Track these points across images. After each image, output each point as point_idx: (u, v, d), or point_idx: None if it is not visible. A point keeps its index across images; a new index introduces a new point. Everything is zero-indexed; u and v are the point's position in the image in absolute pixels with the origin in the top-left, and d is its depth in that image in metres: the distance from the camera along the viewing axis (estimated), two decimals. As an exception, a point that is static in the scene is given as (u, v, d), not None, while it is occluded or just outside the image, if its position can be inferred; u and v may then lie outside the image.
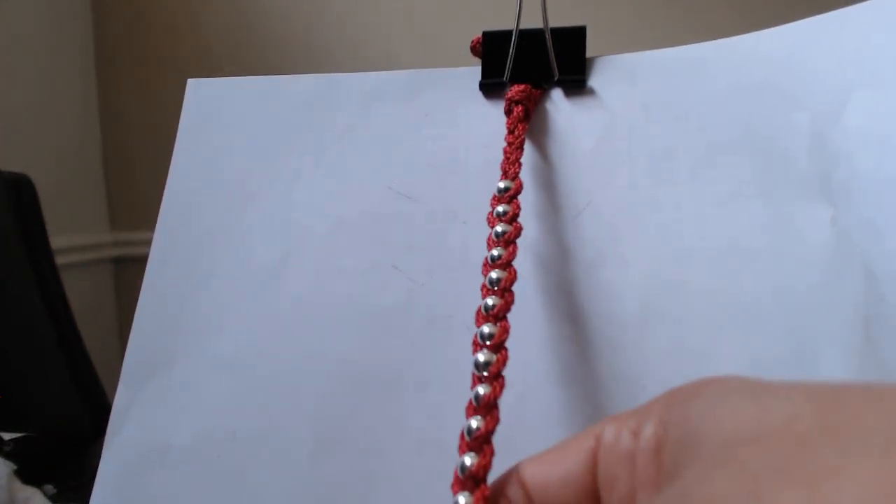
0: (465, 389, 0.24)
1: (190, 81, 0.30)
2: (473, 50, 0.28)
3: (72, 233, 1.04)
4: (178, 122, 0.30)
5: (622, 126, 0.26)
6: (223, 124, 0.30)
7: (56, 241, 0.82)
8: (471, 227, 0.26)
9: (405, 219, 0.27)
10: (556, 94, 0.27)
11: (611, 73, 0.27)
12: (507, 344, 0.24)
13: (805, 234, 0.22)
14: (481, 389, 0.16)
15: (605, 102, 0.27)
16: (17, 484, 0.53)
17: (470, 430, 0.15)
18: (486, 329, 0.19)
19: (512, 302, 0.19)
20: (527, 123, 0.26)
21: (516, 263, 0.25)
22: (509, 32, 0.27)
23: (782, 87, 0.25)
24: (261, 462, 0.25)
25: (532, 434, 0.23)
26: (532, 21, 0.27)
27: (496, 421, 0.15)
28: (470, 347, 0.24)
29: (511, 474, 0.14)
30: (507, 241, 0.21)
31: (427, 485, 0.23)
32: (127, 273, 1.14)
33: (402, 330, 0.25)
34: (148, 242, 0.28)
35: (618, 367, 0.23)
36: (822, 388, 0.10)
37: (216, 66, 1.09)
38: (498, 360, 0.18)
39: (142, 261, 0.29)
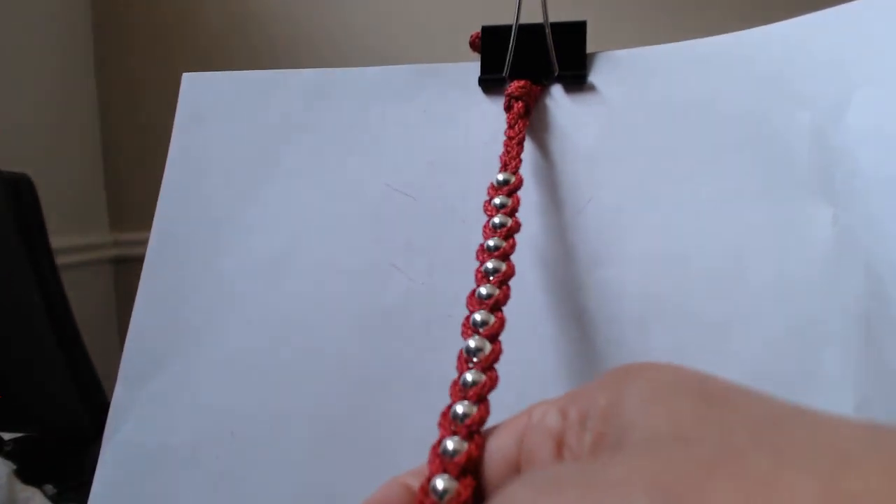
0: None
1: (185, 76, 0.30)
2: (472, 45, 0.28)
3: (72, 233, 1.04)
4: (176, 120, 0.30)
5: (623, 123, 0.26)
6: (220, 120, 0.29)
7: (56, 241, 0.82)
8: (470, 226, 0.26)
9: (404, 217, 0.26)
10: (557, 90, 0.27)
11: (611, 69, 0.27)
12: (508, 342, 0.24)
13: (806, 233, 0.22)
14: (470, 377, 0.16)
15: (605, 98, 0.26)
16: (18, 484, 0.53)
17: (456, 415, 0.15)
18: (478, 316, 0.17)
19: (508, 295, 0.19)
20: (527, 119, 0.26)
21: (517, 261, 0.25)
22: (509, 27, 0.27)
23: (784, 84, 0.24)
24: (259, 461, 0.24)
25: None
26: (532, 16, 0.27)
27: (488, 412, 0.15)
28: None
29: None
30: (506, 234, 0.20)
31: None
32: (127, 273, 1.14)
33: (402, 329, 0.25)
34: (147, 242, 0.28)
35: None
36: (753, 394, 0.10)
37: (216, 65, 1.09)
38: (493, 350, 0.17)
39: (141, 261, 0.28)
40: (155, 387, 0.26)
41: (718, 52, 0.26)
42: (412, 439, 0.24)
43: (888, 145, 0.22)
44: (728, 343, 0.22)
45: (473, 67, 0.28)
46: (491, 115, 0.27)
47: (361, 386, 0.25)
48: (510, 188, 0.22)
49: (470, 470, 0.13)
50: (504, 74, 0.27)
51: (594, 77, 0.27)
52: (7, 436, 0.61)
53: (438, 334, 0.25)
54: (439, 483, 0.13)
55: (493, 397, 0.24)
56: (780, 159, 0.23)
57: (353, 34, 1.06)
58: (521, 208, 0.26)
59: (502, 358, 0.24)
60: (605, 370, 0.23)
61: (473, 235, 0.26)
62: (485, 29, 0.28)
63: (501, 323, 0.17)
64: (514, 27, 0.27)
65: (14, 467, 0.54)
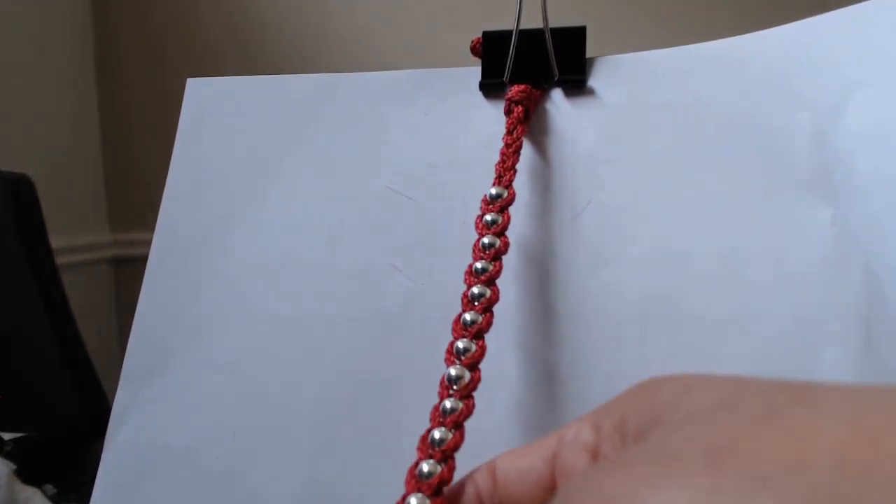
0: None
1: (189, 81, 0.30)
2: (473, 50, 0.28)
3: (71, 233, 1.04)
4: (178, 122, 0.30)
5: (623, 126, 0.26)
6: (223, 124, 0.30)
7: (56, 241, 0.82)
8: (470, 228, 0.26)
9: (404, 219, 0.26)
10: (557, 95, 0.27)
11: (611, 74, 0.27)
12: (508, 343, 0.24)
13: (805, 234, 0.22)
14: (448, 404, 0.17)
15: (605, 103, 0.27)
16: (18, 484, 0.53)
17: (434, 441, 0.16)
18: (460, 344, 0.18)
19: (491, 322, 0.19)
20: (526, 124, 0.26)
21: (517, 261, 0.25)
22: (509, 33, 0.27)
23: (782, 87, 0.24)
24: (260, 462, 0.25)
25: (531, 434, 0.23)
26: (532, 21, 0.27)
27: (462, 439, 0.16)
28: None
29: (485, 465, 0.15)
30: (494, 255, 0.21)
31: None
32: (126, 273, 1.14)
33: (401, 330, 0.25)
34: (148, 242, 0.28)
35: (618, 368, 0.23)
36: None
37: (216, 65, 1.09)
38: (472, 378, 0.17)
39: (141, 261, 0.29)
40: (157, 388, 0.27)
41: (717, 55, 0.26)
42: (412, 439, 0.24)
43: (886, 146, 0.22)
44: (727, 343, 0.22)
45: (474, 72, 0.28)
46: (491, 119, 0.27)
47: (362, 386, 0.25)
48: (502, 203, 0.23)
49: (441, 491, 0.14)
50: (504, 79, 0.27)
51: (594, 81, 0.27)
52: (7, 436, 0.61)
53: (438, 334, 0.25)
54: (413, 501, 0.14)
55: (491, 396, 0.24)
56: (779, 161, 0.24)
57: (357, 41, 1.06)
58: (520, 210, 0.26)
59: (500, 360, 0.24)
60: (605, 370, 0.23)
61: (473, 236, 0.26)
62: (485, 34, 0.28)
63: (482, 351, 0.18)
64: (514, 32, 0.27)
65: (14, 467, 0.54)
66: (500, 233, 0.22)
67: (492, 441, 0.23)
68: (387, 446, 0.24)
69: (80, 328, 0.78)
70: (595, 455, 0.12)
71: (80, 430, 0.70)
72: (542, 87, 0.27)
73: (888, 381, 0.20)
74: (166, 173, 0.30)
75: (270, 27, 1.09)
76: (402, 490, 0.23)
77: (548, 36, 0.27)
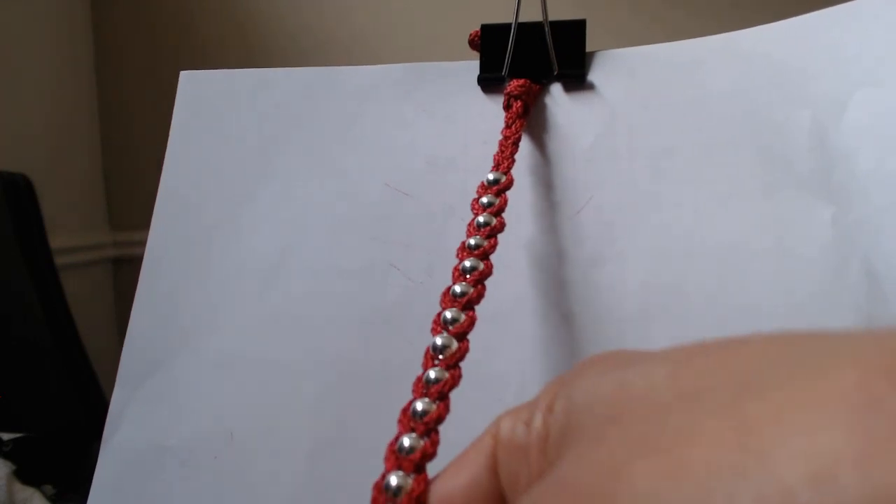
0: (462, 389, 0.24)
1: (182, 74, 0.30)
2: (472, 44, 0.28)
3: (71, 233, 1.04)
4: (175, 120, 0.30)
5: (622, 122, 0.26)
6: (217, 118, 0.29)
7: (56, 241, 0.82)
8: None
9: (403, 216, 0.26)
10: (556, 89, 0.27)
11: (611, 68, 0.27)
12: (507, 341, 0.24)
13: (806, 233, 0.22)
14: (433, 374, 0.16)
15: (605, 98, 0.26)
16: (17, 484, 0.53)
17: (416, 412, 0.15)
18: (448, 314, 0.17)
19: (483, 294, 0.18)
20: (525, 119, 0.26)
21: (517, 259, 0.25)
22: (508, 26, 0.27)
23: (783, 84, 0.24)
24: (258, 462, 0.24)
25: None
26: (531, 15, 0.27)
27: (447, 410, 0.15)
28: (471, 347, 0.24)
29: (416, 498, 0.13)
30: (489, 233, 0.20)
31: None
32: (126, 273, 1.14)
33: (400, 328, 0.25)
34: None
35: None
36: (677, 351, 0.10)
37: (216, 64, 1.09)
38: (459, 348, 0.16)
39: (141, 261, 0.28)
40: (154, 387, 0.26)
41: (718, 51, 0.26)
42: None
43: (887, 145, 0.22)
44: None
45: (472, 66, 0.28)
46: (490, 114, 0.27)
47: (359, 385, 0.25)
48: (500, 187, 0.22)
49: (424, 467, 0.13)
50: (503, 73, 0.27)
51: (594, 76, 0.27)
52: (6, 436, 0.61)
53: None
54: (393, 480, 0.13)
55: (490, 396, 0.23)
56: (780, 158, 0.23)
57: (354, 34, 1.06)
58: (520, 207, 0.25)
59: (500, 357, 0.24)
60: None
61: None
62: (484, 27, 0.28)
63: (471, 321, 0.17)
64: (513, 26, 0.27)
65: (13, 467, 0.54)
66: (497, 213, 0.21)
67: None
68: (384, 445, 0.24)
69: (79, 328, 0.78)
70: (535, 459, 0.11)
71: (79, 431, 0.70)
72: (541, 81, 0.27)
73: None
74: (165, 173, 0.29)
75: (270, 24, 1.09)
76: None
77: (547, 29, 0.26)
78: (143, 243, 0.28)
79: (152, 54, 1.13)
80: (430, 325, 0.25)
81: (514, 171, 0.26)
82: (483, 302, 0.24)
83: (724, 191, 0.24)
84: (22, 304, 0.75)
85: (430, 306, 0.25)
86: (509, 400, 0.23)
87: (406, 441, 0.14)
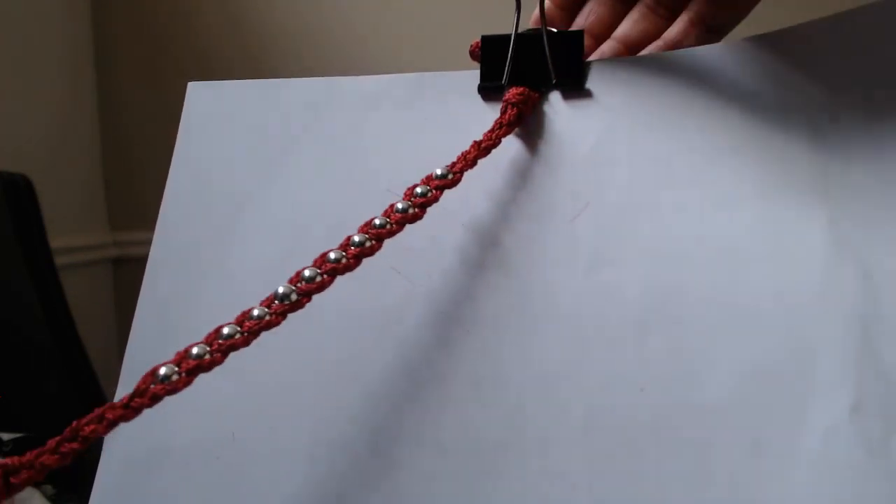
0: (463, 391, 0.24)
1: (191, 84, 0.31)
2: (472, 54, 0.28)
3: (71, 233, 1.04)
4: (177, 123, 0.30)
5: (620, 129, 0.26)
6: (223, 127, 0.30)
7: (56, 241, 0.82)
8: (469, 230, 0.26)
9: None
10: (555, 98, 0.28)
11: (609, 77, 0.27)
12: (504, 344, 0.24)
13: (803, 236, 0.23)
14: (256, 311, 0.19)
15: (603, 106, 0.27)
16: (17, 484, 0.53)
17: (221, 334, 0.18)
18: (307, 272, 0.19)
19: (352, 268, 0.20)
20: (512, 129, 0.26)
21: (518, 262, 0.26)
22: (508, 37, 0.27)
23: (781, 89, 0.25)
24: (260, 463, 0.25)
25: (528, 435, 0.23)
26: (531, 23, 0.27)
27: (252, 337, 0.19)
28: (465, 349, 0.24)
29: None
30: (400, 220, 0.21)
31: (426, 485, 0.23)
32: (126, 274, 1.14)
33: (400, 331, 0.25)
34: (147, 243, 0.28)
35: (615, 369, 0.23)
36: None
37: (216, 66, 1.09)
38: (299, 301, 0.19)
39: (141, 261, 0.29)
40: (156, 388, 0.27)
41: (715, 58, 0.26)
42: (411, 440, 0.24)
43: (884, 148, 0.22)
44: (725, 345, 0.22)
45: (473, 75, 0.28)
46: (490, 123, 0.27)
47: (360, 387, 0.25)
48: (442, 183, 0.23)
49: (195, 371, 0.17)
50: (503, 82, 0.27)
51: (592, 85, 0.27)
52: (6, 436, 0.61)
53: (437, 336, 0.25)
54: (163, 370, 0.17)
55: (490, 397, 0.24)
56: (777, 163, 0.24)
57: (357, 44, 1.06)
58: (518, 213, 0.26)
59: (499, 362, 0.24)
60: (602, 372, 0.23)
61: (472, 239, 0.26)
62: (484, 38, 0.28)
63: (322, 286, 0.20)
64: (512, 37, 0.27)
65: (13, 467, 0.54)
66: (422, 206, 0.22)
67: (489, 442, 0.23)
68: (386, 447, 0.24)
69: (79, 328, 0.79)
70: None
71: (79, 431, 0.70)
72: (539, 89, 0.27)
73: (886, 380, 0.20)
74: (166, 173, 0.30)
75: (270, 27, 1.09)
76: (401, 490, 0.23)
77: (545, 39, 0.27)
78: (143, 243, 0.28)
79: (152, 55, 1.13)
80: (430, 326, 0.25)
81: (513, 175, 0.27)
82: (480, 306, 0.25)
83: (722, 195, 0.24)
84: (22, 304, 0.75)
85: (431, 308, 0.25)
86: (508, 404, 0.24)
87: (195, 350, 0.17)
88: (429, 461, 0.23)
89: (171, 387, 0.17)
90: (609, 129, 0.26)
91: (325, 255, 0.20)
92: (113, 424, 0.16)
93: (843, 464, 0.20)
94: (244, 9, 1.09)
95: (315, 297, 0.27)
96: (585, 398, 0.23)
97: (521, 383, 0.24)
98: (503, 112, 0.26)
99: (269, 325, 0.18)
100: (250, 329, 0.18)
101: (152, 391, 0.17)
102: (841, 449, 0.20)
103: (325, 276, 0.19)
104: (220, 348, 0.18)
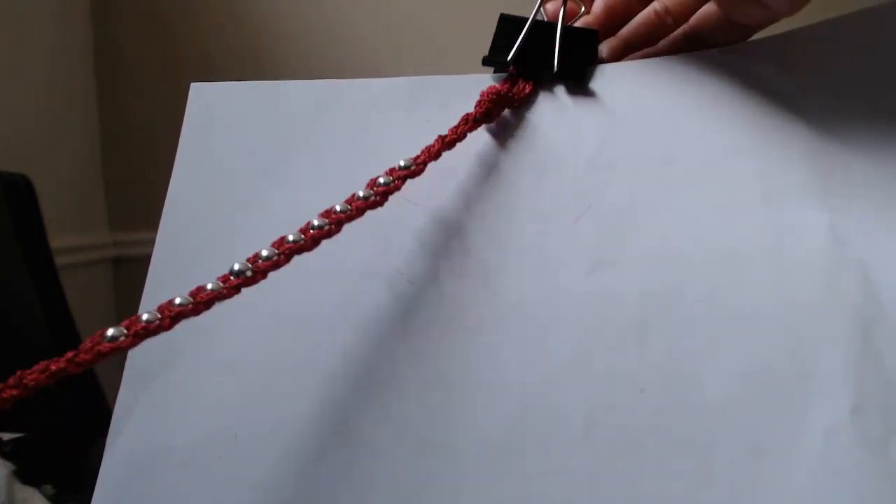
0: (465, 392, 0.24)
1: (193, 86, 0.31)
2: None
3: (71, 233, 1.04)
4: (177, 123, 0.30)
5: (623, 130, 0.26)
6: (226, 128, 0.30)
7: (56, 241, 0.82)
8: (471, 231, 0.26)
9: (407, 222, 0.27)
10: (557, 97, 0.28)
11: (612, 78, 0.27)
12: (505, 345, 0.24)
13: (804, 239, 0.23)
14: (210, 285, 0.21)
15: (606, 107, 0.27)
16: (17, 484, 0.53)
17: (173, 302, 0.20)
18: (264, 252, 0.21)
19: (308, 248, 0.21)
20: (480, 125, 0.27)
21: (518, 263, 0.26)
22: (525, 19, 0.27)
23: (781, 92, 0.25)
24: (262, 463, 0.25)
25: (530, 437, 0.23)
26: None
27: (205, 308, 0.20)
28: (468, 350, 0.24)
29: None
30: (361, 206, 0.22)
31: (427, 486, 0.23)
32: (126, 274, 1.14)
33: (403, 333, 0.25)
34: (147, 243, 0.29)
35: (616, 370, 0.23)
36: None
37: (216, 67, 1.09)
38: (253, 276, 0.20)
39: (141, 261, 0.29)
40: (159, 389, 0.27)
41: (717, 61, 0.26)
42: (413, 441, 0.24)
43: (885, 151, 0.22)
44: (725, 345, 0.22)
45: (475, 79, 0.28)
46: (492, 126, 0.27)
47: (363, 388, 0.25)
48: (405, 173, 0.24)
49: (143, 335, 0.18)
50: (508, 59, 0.27)
51: (595, 85, 0.27)
52: (6, 436, 0.61)
53: (440, 337, 0.25)
54: (110, 331, 0.18)
55: (489, 398, 0.24)
56: (778, 166, 0.24)
57: (360, 46, 1.06)
58: (520, 214, 0.26)
59: (499, 364, 0.24)
60: (603, 373, 0.23)
61: (474, 241, 0.26)
62: (503, 17, 0.28)
63: (276, 265, 0.21)
64: (529, 20, 0.27)
65: (13, 467, 0.54)
66: (384, 194, 0.23)
67: (491, 442, 0.23)
68: (388, 447, 0.24)
69: (79, 328, 0.78)
70: None
71: (78, 431, 0.70)
72: (539, 78, 0.27)
73: (886, 382, 0.20)
74: (166, 173, 0.30)
75: (272, 26, 1.09)
76: (403, 491, 0.23)
77: (558, 31, 0.27)
78: (142, 243, 0.29)
79: (152, 55, 1.13)
80: (433, 329, 0.25)
81: (512, 178, 0.27)
82: (480, 308, 0.25)
83: (723, 197, 0.24)
84: (22, 304, 0.75)
85: (434, 311, 0.26)
86: (510, 402, 0.24)
87: (145, 316, 0.19)
88: (432, 461, 0.24)
89: (116, 346, 0.18)
90: (612, 130, 0.26)
91: (283, 237, 0.21)
92: (55, 376, 0.17)
93: (843, 464, 0.20)
94: (246, 9, 1.09)
95: (319, 299, 0.27)
96: (586, 398, 0.23)
97: (522, 384, 0.24)
98: (476, 107, 0.27)
99: (220, 297, 0.20)
100: (202, 300, 0.20)
101: (97, 349, 0.18)
102: (841, 449, 0.20)
103: (281, 255, 0.20)
104: (171, 314, 0.19)
